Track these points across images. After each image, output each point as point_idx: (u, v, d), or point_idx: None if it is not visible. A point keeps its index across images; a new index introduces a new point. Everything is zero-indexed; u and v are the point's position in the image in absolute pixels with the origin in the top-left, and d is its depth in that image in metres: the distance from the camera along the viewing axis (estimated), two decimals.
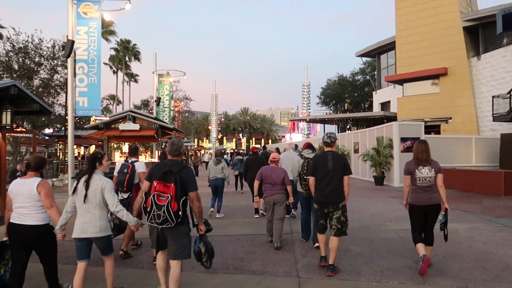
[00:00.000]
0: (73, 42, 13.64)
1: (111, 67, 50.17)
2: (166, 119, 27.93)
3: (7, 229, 3.89)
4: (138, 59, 46.92)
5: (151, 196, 3.55)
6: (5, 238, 3.98)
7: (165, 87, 28.09)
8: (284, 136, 75.51)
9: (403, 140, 14.61)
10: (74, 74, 14.78)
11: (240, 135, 79.30)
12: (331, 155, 4.97)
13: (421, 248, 4.76)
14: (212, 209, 8.95)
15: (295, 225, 7.64)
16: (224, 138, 79.91)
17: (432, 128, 24.62)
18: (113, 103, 45.93)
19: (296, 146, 14.25)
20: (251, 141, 78.36)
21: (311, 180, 5.06)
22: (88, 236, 3.76)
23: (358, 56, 38.40)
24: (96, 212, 3.79)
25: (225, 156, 17.16)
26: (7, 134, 14.76)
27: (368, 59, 43.52)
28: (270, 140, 78.46)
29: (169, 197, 3.51)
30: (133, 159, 5.92)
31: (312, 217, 5.98)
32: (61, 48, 18.54)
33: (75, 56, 14.75)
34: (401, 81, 27.34)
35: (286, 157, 7.77)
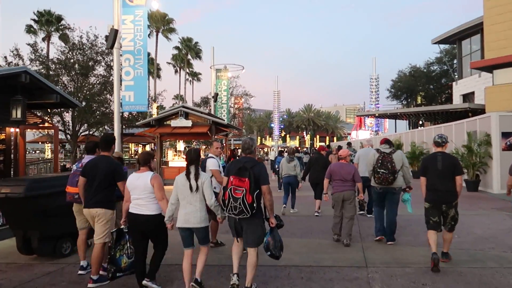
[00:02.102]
0: (116, 31, 12.57)
1: (174, 66, 50.65)
2: (224, 115, 26.75)
3: (128, 219, 4.28)
4: (200, 57, 46.68)
5: (228, 189, 3.89)
6: (123, 226, 4.35)
7: (223, 82, 26.87)
8: (350, 134, 71.68)
9: (504, 135, 11.65)
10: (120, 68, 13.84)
11: (304, 132, 76.75)
12: (441, 155, 5.05)
13: None
14: (284, 205, 9.05)
15: (370, 252, 5.56)
16: (287, 136, 77.91)
17: None
18: (179, 102, 46.06)
19: (350, 144, 13.58)
20: (315, 138, 75.54)
21: (422, 180, 5.16)
22: (190, 226, 4.05)
23: (435, 43, 34.32)
24: (197, 204, 4.06)
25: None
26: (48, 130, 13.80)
27: (446, 46, 38.97)
28: (335, 138, 74.99)
29: (244, 190, 3.80)
30: (209, 154, 5.91)
31: (376, 213, 6.23)
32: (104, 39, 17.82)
33: (121, 48, 13.79)
34: (490, 68, 23.40)
35: (364, 154, 7.87)
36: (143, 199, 4.15)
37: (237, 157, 7.86)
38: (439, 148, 5.16)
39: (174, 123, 16.87)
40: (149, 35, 39.02)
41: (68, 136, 19.49)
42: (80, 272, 4.83)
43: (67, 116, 19.54)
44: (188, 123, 16.75)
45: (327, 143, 65.78)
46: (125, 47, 13.72)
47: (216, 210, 4.14)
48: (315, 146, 67.11)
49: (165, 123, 17.60)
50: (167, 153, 20.82)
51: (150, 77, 45.18)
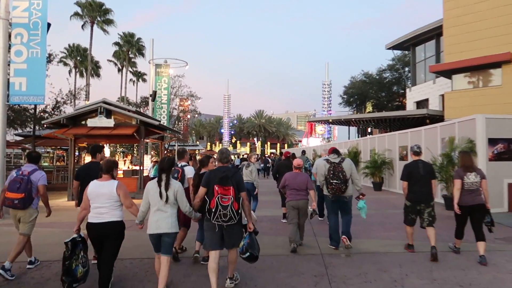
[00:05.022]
0: None
1: (115, 64, 46.31)
2: (163, 117, 23.54)
3: (89, 228, 4.17)
4: (143, 55, 42.69)
5: (216, 198, 4.01)
6: (75, 235, 4.27)
7: (163, 79, 23.66)
8: (301, 141, 70.63)
9: (491, 142, 9.68)
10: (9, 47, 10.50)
11: (255, 139, 74.62)
12: (421, 163, 5.91)
13: (458, 242, 5.82)
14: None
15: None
16: (238, 142, 75.44)
17: None
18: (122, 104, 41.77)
19: (304, 152, 13.50)
20: (266, 145, 73.68)
21: (404, 184, 5.96)
22: (161, 231, 4.09)
23: (389, 48, 33.31)
24: (168, 210, 4.13)
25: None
26: None
27: (399, 53, 38.40)
28: (286, 145, 73.51)
29: (231, 198, 4.02)
30: (183, 163, 5.92)
31: (333, 222, 6.22)
32: None
33: (11, 19, 10.42)
34: (449, 72, 22.20)
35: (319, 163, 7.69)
36: (106, 207, 4.13)
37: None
38: (417, 156, 6.01)
39: (91, 122, 13.54)
40: (83, 26, 34.80)
41: None
42: (28, 266, 5.28)
43: None
44: (110, 122, 13.49)
45: (279, 150, 63.92)
46: (17, 18, 10.38)
47: (191, 215, 4.36)
48: (266, 153, 65.12)
49: (82, 122, 14.21)
50: (83, 160, 17.24)
51: (84, 74, 40.79)
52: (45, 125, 16.24)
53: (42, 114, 17.43)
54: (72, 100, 18.95)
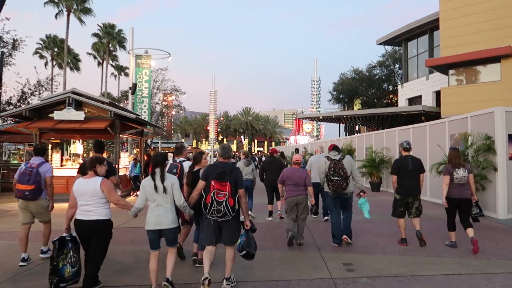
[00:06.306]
0: None
1: (95, 57, 44.28)
2: (144, 112, 21.97)
3: (76, 226, 4.15)
4: (124, 47, 40.73)
5: (211, 193, 3.99)
6: (65, 234, 4.31)
7: (144, 71, 22.06)
8: (288, 139, 69.57)
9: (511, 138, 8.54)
10: None
11: (242, 136, 73.24)
12: (410, 158, 6.27)
13: (453, 235, 6.00)
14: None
15: None
16: (225, 139, 73.94)
17: None
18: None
19: (297, 150, 13.13)
20: (253, 143, 72.40)
21: (394, 178, 6.28)
22: (162, 227, 4.11)
23: (380, 44, 32.25)
24: (168, 205, 4.14)
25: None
26: None
27: (389, 49, 37.47)
28: (273, 143, 72.35)
29: (227, 194, 3.97)
30: (181, 159, 5.89)
31: (335, 219, 6.26)
32: None
33: None
34: (445, 67, 21.25)
35: (316, 160, 8.25)
36: (92, 205, 4.09)
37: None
38: (407, 152, 6.36)
39: (58, 115, 12.01)
40: (57, 15, 32.70)
41: None
42: (21, 263, 5.28)
43: None
44: (80, 115, 12.00)
45: (266, 148, 62.74)
46: None
47: (185, 210, 4.36)
48: (253, 151, 63.89)
49: (48, 115, 12.67)
50: (51, 157, 15.62)
51: (62, 64, 38.69)
52: (13, 119, 14.62)
53: (6, 106, 15.76)
54: (42, 92, 17.27)
